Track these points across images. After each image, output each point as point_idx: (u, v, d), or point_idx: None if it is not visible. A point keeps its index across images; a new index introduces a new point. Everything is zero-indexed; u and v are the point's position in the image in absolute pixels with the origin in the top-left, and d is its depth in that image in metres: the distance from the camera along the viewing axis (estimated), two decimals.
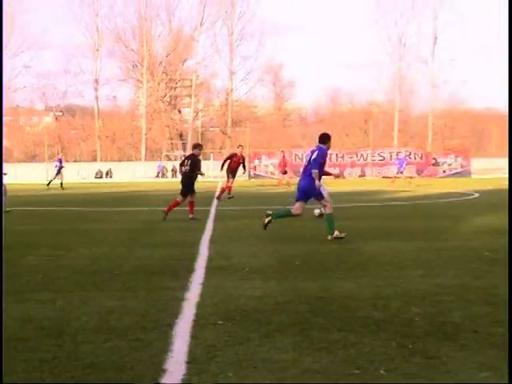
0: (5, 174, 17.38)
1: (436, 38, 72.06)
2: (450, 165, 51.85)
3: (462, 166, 51.57)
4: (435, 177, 49.36)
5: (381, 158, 50.60)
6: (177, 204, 16.51)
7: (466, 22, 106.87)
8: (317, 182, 11.88)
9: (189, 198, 16.51)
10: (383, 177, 45.45)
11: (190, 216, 16.24)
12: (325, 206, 12.30)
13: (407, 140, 71.26)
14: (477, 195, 26.32)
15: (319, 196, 12.24)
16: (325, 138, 12.32)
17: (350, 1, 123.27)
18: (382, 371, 4.46)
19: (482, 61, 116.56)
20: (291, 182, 38.63)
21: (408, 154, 52.14)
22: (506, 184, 34.64)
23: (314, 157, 11.98)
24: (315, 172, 11.84)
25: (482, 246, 10.75)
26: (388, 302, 6.60)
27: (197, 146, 17.35)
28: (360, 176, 50.52)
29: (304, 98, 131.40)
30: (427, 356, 4.79)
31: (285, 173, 37.59)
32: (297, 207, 12.22)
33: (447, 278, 7.86)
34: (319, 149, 12.13)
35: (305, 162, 12.40)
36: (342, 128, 77.51)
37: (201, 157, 17.36)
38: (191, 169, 16.55)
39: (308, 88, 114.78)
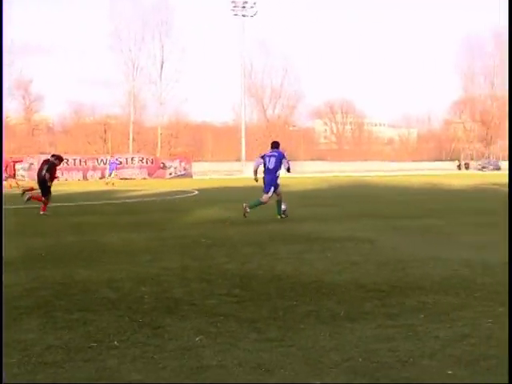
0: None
1: (163, 63, 73.09)
2: (175, 168, 52.61)
3: (185, 169, 52.54)
4: (163, 178, 49.92)
5: (118, 163, 50.13)
6: (40, 200, 15.85)
7: (187, 52, 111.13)
8: (281, 171, 13.70)
9: (43, 198, 15.85)
10: (120, 178, 45.02)
11: (42, 212, 15.39)
12: (277, 194, 13.74)
13: (141, 147, 71.19)
14: (197, 193, 26.98)
15: (276, 187, 13.63)
16: (277, 144, 14.22)
17: (93, 27, 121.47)
18: (115, 342, 4.46)
19: (200, 83, 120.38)
20: (20, 184, 37.06)
21: (141, 158, 52.42)
22: (221, 183, 36.00)
23: (281, 157, 13.62)
24: (289, 163, 13.65)
25: (200, 234, 11.06)
26: (121, 283, 6.59)
27: (57, 158, 16.54)
28: (100, 178, 49.54)
29: (51, 111, 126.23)
30: (154, 327, 4.86)
31: (14, 177, 38.03)
32: (265, 197, 13.60)
33: (171, 262, 8.01)
34: (278, 152, 13.85)
35: (266, 163, 13.69)
36: (85, 137, 75.47)
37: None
38: (47, 173, 15.86)
39: (55, 101, 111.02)
